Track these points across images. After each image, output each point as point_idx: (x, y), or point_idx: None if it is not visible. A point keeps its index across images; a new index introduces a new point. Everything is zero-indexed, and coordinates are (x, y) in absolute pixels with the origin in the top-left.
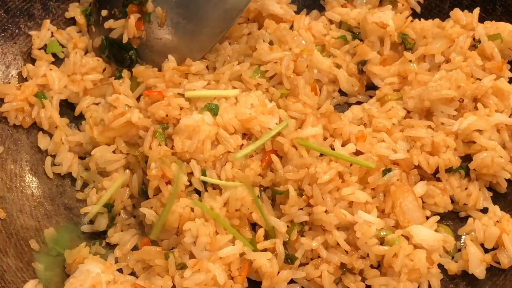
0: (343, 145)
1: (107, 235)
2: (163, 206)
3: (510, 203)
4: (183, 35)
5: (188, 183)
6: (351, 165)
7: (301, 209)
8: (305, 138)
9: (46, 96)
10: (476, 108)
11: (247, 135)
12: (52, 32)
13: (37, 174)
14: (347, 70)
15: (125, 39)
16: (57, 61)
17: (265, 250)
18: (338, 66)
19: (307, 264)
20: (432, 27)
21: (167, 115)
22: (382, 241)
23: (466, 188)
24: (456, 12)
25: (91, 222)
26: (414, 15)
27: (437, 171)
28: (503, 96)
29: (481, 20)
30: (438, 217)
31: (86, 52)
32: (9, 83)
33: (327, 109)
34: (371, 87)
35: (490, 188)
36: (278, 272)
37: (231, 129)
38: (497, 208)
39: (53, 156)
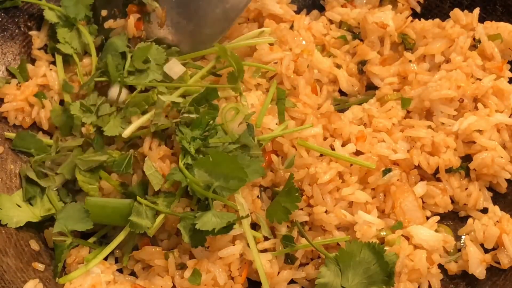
0: (343, 145)
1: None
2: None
3: (510, 203)
4: (183, 35)
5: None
6: (351, 165)
7: (301, 209)
8: (305, 138)
9: (46, 96)
10: (476, 108)
11: None
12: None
13: None
14: (347, 70)
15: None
16: None
17: (265, 250)
18: (338, 66)
19: (307, 264)
20: (432, 27)
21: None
22: (382, 241)
23: (466, 188)
24: (456, 12)
25: None
26: (414, 15)
27: (437, 171)
28: (503, 96)
29: (481, 20)
30: (438, 217)
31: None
32: (9, 83)
33: (327, 109)
34: (371, 87)
35: (490, 188)
36: (278, 273)
37: None
38: (497, 208)
39: None
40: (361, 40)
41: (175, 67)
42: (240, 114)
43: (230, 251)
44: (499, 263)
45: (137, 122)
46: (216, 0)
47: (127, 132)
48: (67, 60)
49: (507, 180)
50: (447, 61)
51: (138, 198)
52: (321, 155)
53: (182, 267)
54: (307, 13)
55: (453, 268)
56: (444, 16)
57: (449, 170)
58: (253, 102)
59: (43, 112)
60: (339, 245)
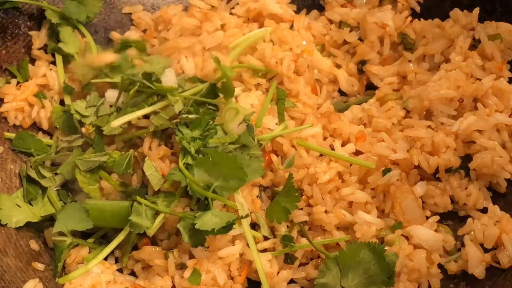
0: (342, 145)
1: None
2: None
3: (510, 203)
4: None
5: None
6: (350, 165)
7: (301, 209)
8: (305, 138)
9: (46, 96)
10: (476, 108)
11: None
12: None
13: None
14: (347, 70)
15: None
16: None
17: (265, 250)
18: (338, 66)
19: (307, 264)
20: (431, 27)
21: None
22: (382, 241)
23: (466, 188)
24: (456, 12)
25: None
26: (414, 15)
27: (437, 171)
28: (503, 96)
29: (481, 20)
30: (438, 217)
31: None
32: (9, 83)
33: (327, 109)
34: (371, 87)
35: (490, 188)
36: (278, 272)
37: None
38: (496, 208)
39: None
40: (361, 40)
41: (171, 78)
42: (240, 114)
43: (230, 251)
44: (498, 263)
45: (130, 115)
46: None
47: (116, 123)
48: (67, 60)
49: (507, 180)
50: (447, 61)
51: (138, 198)
52: (321, 155)
53: (182, 267)
54: (307, 13)
55: (453, 268)
56: (444, 16)
57: (449, 170)
58: (253, 102)
59: (43, 112)
60: (339, 245)
